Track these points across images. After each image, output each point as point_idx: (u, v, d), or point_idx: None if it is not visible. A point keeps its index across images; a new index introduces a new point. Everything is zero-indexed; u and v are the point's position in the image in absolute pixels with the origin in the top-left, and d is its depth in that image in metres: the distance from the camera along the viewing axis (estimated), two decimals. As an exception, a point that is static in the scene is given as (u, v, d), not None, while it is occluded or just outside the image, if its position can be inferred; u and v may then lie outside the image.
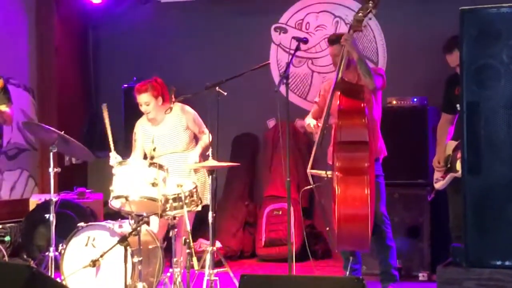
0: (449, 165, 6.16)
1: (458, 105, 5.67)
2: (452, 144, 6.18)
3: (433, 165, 6.30)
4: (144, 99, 6.06)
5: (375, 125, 5.89)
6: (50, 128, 5.95)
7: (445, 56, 6.18)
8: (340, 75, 5.70)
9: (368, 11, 5.61)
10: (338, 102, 5.59)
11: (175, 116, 6.13)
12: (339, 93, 5.64)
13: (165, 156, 6.07)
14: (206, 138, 6.03)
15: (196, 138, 6.22)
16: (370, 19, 5.77)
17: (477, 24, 4.08)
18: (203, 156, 5.97)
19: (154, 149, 5.53)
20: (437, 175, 6.27)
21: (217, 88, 5.90)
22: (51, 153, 5.91)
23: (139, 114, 6.31)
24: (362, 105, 5.57)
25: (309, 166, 5.70)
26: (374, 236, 5.78)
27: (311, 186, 5.73)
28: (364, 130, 5.51)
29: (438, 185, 6.23)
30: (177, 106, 6.10)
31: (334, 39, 5.98)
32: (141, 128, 6.25)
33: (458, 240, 5.49)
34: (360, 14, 5.64)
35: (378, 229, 5.83)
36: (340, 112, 5.54)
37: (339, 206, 5.37)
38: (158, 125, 6.13)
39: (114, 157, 5.83)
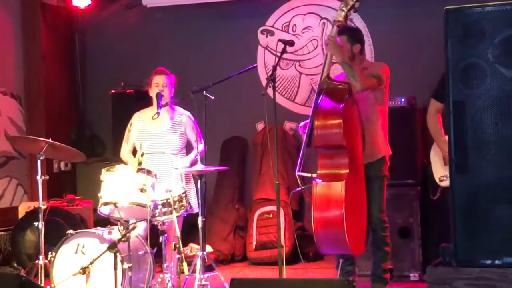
0: None
1: None
2: None
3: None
4: (165, 81, 6.12)
5: (370, 125, 5.72)
6: (37, 138, 5.93)
7: None
8: (325, 74, 5.64)
9: (351, 5, 5.52)
10: (319, 101, 5.52)
11: (175, 118, 6.13)
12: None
13: (154, 155, 6.03)
14: (201, 147, 6.01)
15: (187, 148, 6.21)
16: (355, 11, 5.68)
17: (462, 23, 4.09)
18: (194, 164, 5.95)
19: (142, 155, 5.51)
20: (442, 172, 6.14)
21: (204, 92, 5.89)
22: (39, 161, 5.88)
23: (127, 119, 6.29)
24: (341, 106, 5.40)
25: (298, 168, 5.67)
26: (371, 240, 5.78)
27: (300, 188, 5.71)
28: (338, 132, 5.35)
29: (445, 183, 6.07)
30: (180, 110, 6.18)
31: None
32: (138, 120, 6.21)
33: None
34: (343, 8, 5.56)
35: (375, 233, 5.80)
36: (318, 113, 5.42)
37: (314, 210, 5.37)
38: (156, 121, 6.07)
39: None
